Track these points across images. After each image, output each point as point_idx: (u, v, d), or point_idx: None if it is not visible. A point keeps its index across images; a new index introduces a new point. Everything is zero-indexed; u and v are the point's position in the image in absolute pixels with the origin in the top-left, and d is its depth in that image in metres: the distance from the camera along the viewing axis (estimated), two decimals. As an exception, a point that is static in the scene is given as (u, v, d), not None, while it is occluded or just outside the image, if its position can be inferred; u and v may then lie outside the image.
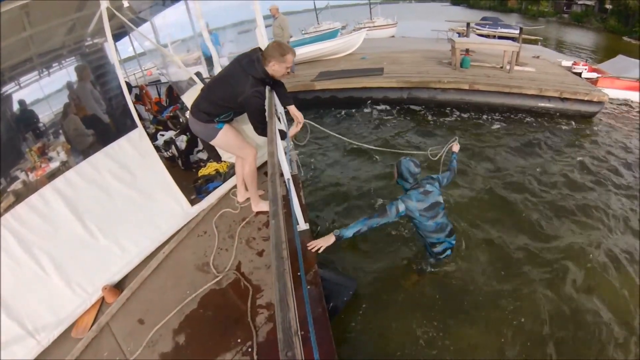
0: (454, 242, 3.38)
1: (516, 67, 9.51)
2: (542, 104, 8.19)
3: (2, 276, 2.54)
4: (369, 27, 24.11)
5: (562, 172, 5.62)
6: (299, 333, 1.06)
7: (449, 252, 3.38)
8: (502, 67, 9.45)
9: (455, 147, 3.68)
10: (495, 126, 7.69)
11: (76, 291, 2.76)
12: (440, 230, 3.22)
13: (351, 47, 12.68)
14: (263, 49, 2.77)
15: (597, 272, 3.61)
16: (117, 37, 4.13)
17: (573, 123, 7.81)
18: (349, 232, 2.87)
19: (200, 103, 2.87)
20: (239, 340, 2.23)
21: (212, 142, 3.03)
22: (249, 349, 2.16)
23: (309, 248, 2.69)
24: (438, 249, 3.31)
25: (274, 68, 2.66)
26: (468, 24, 12.65)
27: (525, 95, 8.13)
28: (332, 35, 14.19)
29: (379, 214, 3.00)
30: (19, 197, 2.90)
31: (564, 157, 6.28)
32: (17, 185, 3.11)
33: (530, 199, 4.85)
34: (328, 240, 2.77)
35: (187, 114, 3.01)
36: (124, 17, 3.36)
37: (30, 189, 2.98)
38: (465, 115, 8.30)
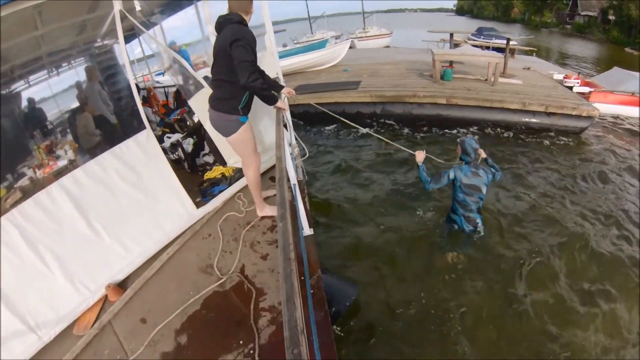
0: (466, 228, 3.93)
1: (502, 80, 9.13)
2: (527, 119, 7.72)
3: (6, 271, 2.56)
4: (361, 37, 24.12)
5: (531, 204, 5.00)
6: (305, 332, 1.08)
7: (456, 227, 4.00)
8: (487, 80, 9.03)
9: (482, 154, 3.89)
10: None
11: (79, 289, 2.78)
12: (463, 207, 3.88)
13: (335, 59, 12.35)
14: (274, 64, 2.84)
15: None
16: (126, 39, 4.19)
17: (558, 140, 7.28)
18: (421, 174, 3.82)
19: (215, 93, 2.89)
20: (240, 342, 2.23)
21: (229, 138, 2.98)
22: (251, 351, 2.17)
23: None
24: (453, 216, 4.03)
25: (244, 9, 2.77)
26: (451, 35, 12.35)
27: (508, 110, 7.68)
28: (320, 45, 13.71)
29: (435, 179, 3.80)
30: (26, 193, 2.93)
31: (536, 179, 5.69)
32: (24, 182, 3.15)
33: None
34: (420, 155, 3.83)
35: (207, 109, 2.97)
36: (135, 19, 3.39)
37: (37, 185, 3.01)
38: (440, 131, 7.85)
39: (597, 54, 24.11)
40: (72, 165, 3.26)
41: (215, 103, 2.88)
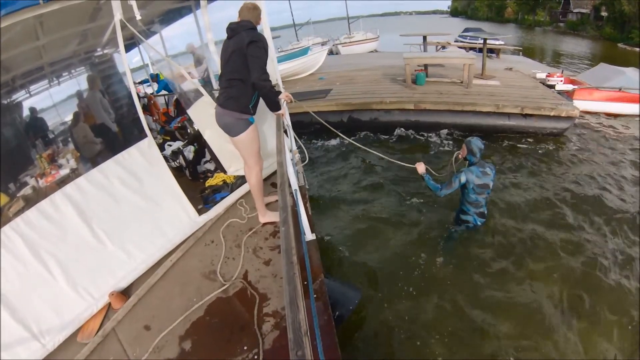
0: (478, 223, 4.11)
1: (479, 82, 8.90)
2: (502, 122, 7.38)
3: (10, 279, 2.58)
4: (345, 42, 23.68)
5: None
6: (308, 334, 1.11)
7: (471, 225, 4.13)
8: (462, 82, 8.76)
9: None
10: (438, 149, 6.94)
11: (83, 296, 2.79)
12: (476, 206, 4.00)
13: (312, 67, 12.16)
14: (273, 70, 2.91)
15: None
16: (126, 47, 4.22)
17: (536, 143, 6.93)
18: (430, 184, 3.91)
19: (227, 93, 2.96)
20: (245, 348, 2.25)
21: (236, 138, 3.05)
22: (255, 356, 2.18)
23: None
24: (464, 217, 4.12)
25: (254, 19, 3.00)
26: (424, 37, 12.06)
27: (481, 113, 7.36)
28: (302, 53, 13.31)
29: (447, 185, 3.88)
30: (29, 202, 2.95)
31: (508, 190, 5.39)
32: (26, 191, 3.17)
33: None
34: (420, 166, 3.98)
35: (215, 108, 3.04)
36: (135, 28, 3.44)
37: (40, 194, 3.03)
38: (408, 137, 7.66)
39: (591, 51, 23.98)
40: (74, 174, 3.29)
41: (225, 102, 2.96)
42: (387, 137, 7.84)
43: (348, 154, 7.08)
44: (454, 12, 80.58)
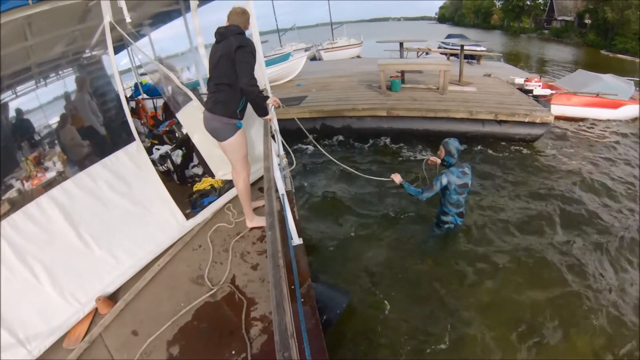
0: (459, 222, 4.19)
1: (455, 88, 8.91)
2: (476, 129, 7.36)
3: (-5, 284, 2.55)
4: (327, 48, 23.70)
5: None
6: (295, 336, 1.14)
7: (452, 226, 4.20)
8: (438, 89, 8.73)
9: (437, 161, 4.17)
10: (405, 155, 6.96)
11: (69, 301, 2.77)
12: (457, 206, 4.05)
13: (291, 73, 12.14)
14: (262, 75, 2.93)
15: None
16: (115, 50, 4.20)
17: (509, 150, 6.98)
18: (410, 190, 3.95)
19: (215, 97, 2.99)
20: (233, 352, 2.27)
21: (224, 142, 3.08)
22: (243, 361, 2.21)
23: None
24: (445, 218, 4.16)
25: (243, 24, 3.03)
26: (401, 44, 12.01)
27: (454, 120, 7.33)
28: (283, 58, 13.15)
29: (428, 189, 3.90)
30: (14, 205, 2.92)
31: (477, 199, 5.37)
32: (12, 194, 3.14)
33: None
34: (396, 177, 4.03)
35: (203, 112, 3.06)
36: (124, 30, 3.43)
37: (26, 197, 3.01)
38: (380, 145, 7.68)
39: (574, 58, 24.55)
40: (61, 177, 3.27)
41: (214, 107, 2.98)
42: (362, 144, 7.88)
43: (327, 163, 6.97)
44: (442, 19, 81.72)
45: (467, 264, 4.06)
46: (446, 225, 4.22)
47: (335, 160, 4.23)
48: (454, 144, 3.89)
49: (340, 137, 8.16)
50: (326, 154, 4.12)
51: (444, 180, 3.86)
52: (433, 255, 4.24)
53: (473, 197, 5.19)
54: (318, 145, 4.26)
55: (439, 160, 4.13)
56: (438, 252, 4.28)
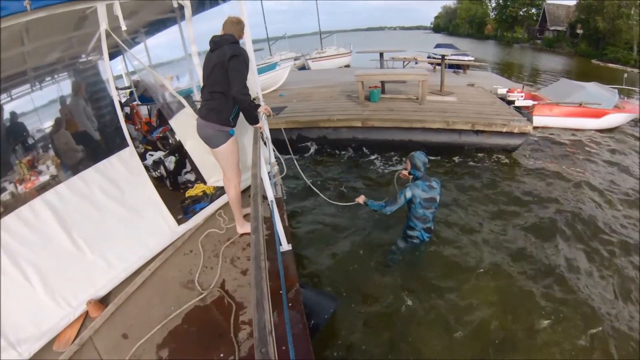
0: (425, 238, 4.10)
1: (435, 98, 8.90)
2: (453, 139, 7.31)
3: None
4: (315, 57, 23.50)
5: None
6: (273, 333, 1.19)
7: (417, 241, 4.10)
8: (417, 98, 8.74)
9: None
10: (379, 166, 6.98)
11: (60, 304, 2.79)
12: (424, 221, 3.97)
13: (275, 84, 12.05)
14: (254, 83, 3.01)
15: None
16: (110, 55, 4.25)
17: (486, 160, 6.93)
18: (374, 206, 3.91)
19: (208, 105, 3.06)
20: (221, 355, 2.32)
21: (217, 149, 3.16)
22: (231, 364, 2.26)
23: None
24: (411, 232, 4.08)
25: (237, 33, 3.13)
26: (381, 54, 12.00)
27: (431, 130, 7.28)
28: (269, 68, 13.05)
29: (392, 202, 3.84)
30: (7, 208, 2.94)
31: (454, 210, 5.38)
32: (5, 197, 3.16)
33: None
34: (360, 199, 4.00)
35: (196, 119, 3.14)
36: (119, 38, 3.48)
37: (19, 200, 3.03)
38: (355, 156, 7.69)
39: (566, 67, 24.77)
40: (54, 181, 3.29)
41: (207, 114, 3.06)
42: (337, 154, 7.91)
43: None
44: (437, 28, 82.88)
45: (431, 278, 4.01)
46: (413, 240, 4.11)
47: (308, 182, 4.43)
48: (419, 157, 3.87)
49: (315, 147, 8.17)
50: (302, 173, 4.29)
51: (408, 194, 3.81)
52: (394, 268, 4.16)
53: (442, 210, 5.12)
54: (296, 163, 4.36)
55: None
56: (400, 266, 4.19)
